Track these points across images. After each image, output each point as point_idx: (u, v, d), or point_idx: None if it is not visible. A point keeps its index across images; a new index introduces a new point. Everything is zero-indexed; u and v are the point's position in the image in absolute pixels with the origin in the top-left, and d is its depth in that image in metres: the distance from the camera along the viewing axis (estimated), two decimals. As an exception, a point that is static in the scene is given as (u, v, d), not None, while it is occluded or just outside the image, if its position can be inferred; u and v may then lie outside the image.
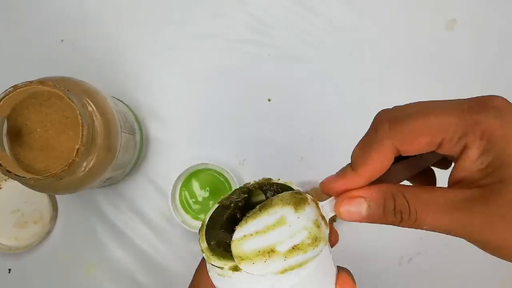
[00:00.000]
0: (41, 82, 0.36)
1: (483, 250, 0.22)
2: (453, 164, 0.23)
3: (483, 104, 0.21)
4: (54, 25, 0.56)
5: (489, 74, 0.56)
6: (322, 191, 0.26)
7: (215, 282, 0.25)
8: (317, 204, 0.25)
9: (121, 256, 0.53)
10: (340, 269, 0.27)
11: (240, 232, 0.23)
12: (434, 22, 0.56)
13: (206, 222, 0.26)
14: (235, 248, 0.22)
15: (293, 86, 0.56)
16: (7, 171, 0.35)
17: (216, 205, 0.27)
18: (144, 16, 0.56)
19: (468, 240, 0.22)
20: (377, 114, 0.24)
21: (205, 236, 0.25)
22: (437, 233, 0.22)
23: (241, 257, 0.22)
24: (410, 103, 0.23)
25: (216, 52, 0.56)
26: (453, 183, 0.22)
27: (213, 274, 0.25)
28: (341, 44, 0.56)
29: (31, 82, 0.36)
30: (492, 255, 0.22)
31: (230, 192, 0.27)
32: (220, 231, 0.25)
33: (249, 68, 0.55)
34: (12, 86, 0.36)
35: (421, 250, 0.53)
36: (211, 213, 0.26)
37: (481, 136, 0.20)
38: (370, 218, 0.23)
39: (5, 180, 0.53)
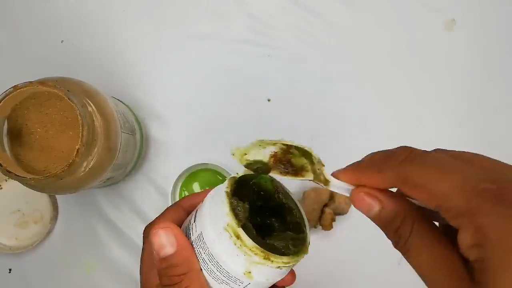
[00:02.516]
0: (41, 82, 0.36)
1: None
2: None
3: (498, 194, 0.18)
4: (54, 25, 0.56)
5: (489, 74, 0.56)
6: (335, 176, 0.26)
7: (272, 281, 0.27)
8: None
9: (121, 256, 0.53)
10: None
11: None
12: (433, 22, 0.57)
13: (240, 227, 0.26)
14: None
15: (293, 86, 0.56)
16: (8, 171, 0.35)
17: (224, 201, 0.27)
18: (144, 16, 0.56)
19: None
20: (401, 147, 0.23)
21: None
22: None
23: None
24: (437, 152, 0.23)
25: (216, 52, 0.56)
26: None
27: (271, 273, 0.26)
28: (341, 44, 0.56)
29: (31, 82, 0.36)
30: None
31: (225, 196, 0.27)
32: (261, 237, 0.27)
33: (249, 68, 0.55)
34: (13, 87, 0.36)
35: (420, 250, 0.53)
36: (231, 212, 0.26)
37: (477, 228, 0.18)
38: (374, 219, 0.23)
39: (6, 180, 0.53)
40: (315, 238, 0.53)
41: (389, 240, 0.23)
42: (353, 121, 0.55)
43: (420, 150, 0.22)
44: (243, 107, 0.55)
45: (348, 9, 0.56)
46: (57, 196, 0.53)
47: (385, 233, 0.23)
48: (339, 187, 0.25)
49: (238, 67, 0.55)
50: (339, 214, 0.52)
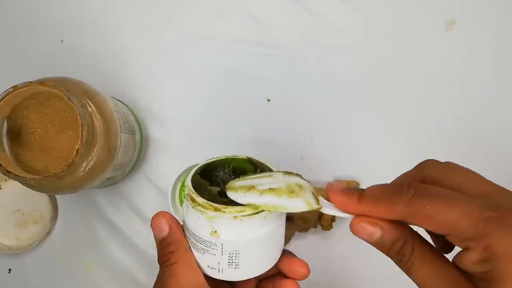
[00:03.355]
0: (41, 82, 0.36)
1: None
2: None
3: (501, 220, 0.22)
4: (54, 25, 0.56)
5: (489, 74, 0.56)
6: (327, 195, 0.28)
7: (254, 234, 0.28)
8: (315, 196, 0.28)
9: (121, 256, 0.53)
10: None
11: (237, 180, 0.29)
12: (433, 22, 0.56)
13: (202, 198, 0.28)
14: (229, 184, 0.29)
15: (293, 86, 0.56)
16: (7, 171, 0.35)
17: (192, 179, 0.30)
18: (143, 16, 0.56)
19: None
20: (407, 174, 0.27)
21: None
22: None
23: (229, 187, 0.28)
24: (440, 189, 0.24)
25: (215, 52, 0.56)
26: (455, 263, 0.24)
27: (255, 226, 0.28)
28: (341, 44, 0.56)
29: (31, 82, 0.36)
30: None
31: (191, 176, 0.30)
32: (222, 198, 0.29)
33: (249, 68, 0.55)
34: (12, 87, 0.36)
35: (420, 250, 0.53)
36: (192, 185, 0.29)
37: (485, 248, 0.22)
38: (376, 245, 0.26)
39: (5, 180, 0.53)
40: (315, 238, 0.53)
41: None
42: (353, 121, 0.55)
43: (422, 185, 0.24)
44: (243, 107, 0.55)
45: (348, 9, 0.56)
46: (57, 196, 0.53)
47: (385, 254, 0.26)
48: (333, 209, 0.27)
49: (238, 67, 0.55)
50: (339, 214, 0.52)
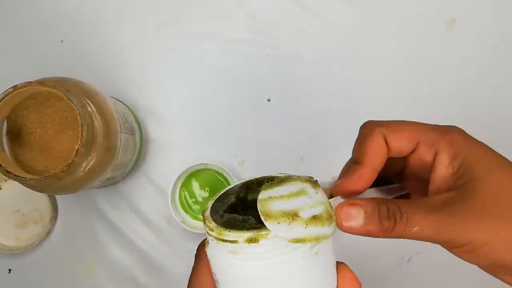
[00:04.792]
0: (41, 82, 0.36)
1: (466, 254, 0.24)
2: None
3: (449, 128, 0.27)
4: (54, 25, 0.56)
5: (489, 74, 0.56)
6: (336, 194, 0.28)
7: (221, 266, 0.23)
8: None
9: (121, 256, 0.53)
10: (339, 263, 0.27)
11: (265, 194, 0.23)
12: (433, 22, 0.56)
13: (210, 206, 0.25)
14: (262, 205, 0.22)
15: (293, 86, 0.56)
16: (7, 171, 0.35)
17: (222, 192, 0.27)
18: (143, 16, 0.56)
19: (451, 244, 0.24)
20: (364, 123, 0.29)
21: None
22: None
23: (267, 215, 0.22)
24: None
25: (215, 52, 0.56)
26: (432, 194, 0.26)
27: (221, 255, 0.23)
28: (341, 44, 0.56)
29: (30, 82, 0.36)
30: (470, 259, 0.24)
31: (231, 186, 0.27)
32: (224, 214, 0.24)
33: (249, 68, 0.55)
34: (12, 87, 0.36)
35: (420, 250, 0.53)
36: (216, 197, 0.26)
37: (450, 143, 0.26)
38: (367, 226, 0.25)
39: (5, 181, 0.53)
40: (315, 238, 0.53)
41: (380, 240, 0.25)
42: (353, 122, 0.55)
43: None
44: (243, 107, 0.55)
45: (348, 9, 0.56)
46: (57, 196, 0.53)
47: (377, 233, 0.25)
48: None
49: (237, 67, 0.55)
50: (339, 214, 0.52)
